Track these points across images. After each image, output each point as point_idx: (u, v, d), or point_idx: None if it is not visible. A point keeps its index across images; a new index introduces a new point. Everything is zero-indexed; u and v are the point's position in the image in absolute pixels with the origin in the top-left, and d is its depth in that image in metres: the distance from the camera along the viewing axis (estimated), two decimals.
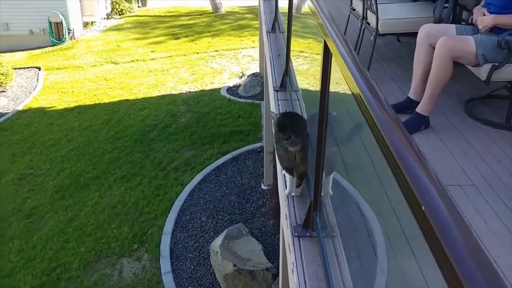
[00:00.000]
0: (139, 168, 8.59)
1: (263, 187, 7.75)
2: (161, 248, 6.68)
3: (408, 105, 3.42)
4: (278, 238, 5.82)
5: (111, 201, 7.76)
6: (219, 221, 7.12)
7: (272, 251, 6.34)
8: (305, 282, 1.91)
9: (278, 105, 3.36)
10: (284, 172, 2.41)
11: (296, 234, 2.15)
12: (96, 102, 11.72)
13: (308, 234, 2.15)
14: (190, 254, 6.59)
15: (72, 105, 11.67)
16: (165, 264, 6.41)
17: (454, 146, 2.98)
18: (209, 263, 6.40)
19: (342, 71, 1.42)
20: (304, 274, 1.95)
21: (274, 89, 3.54)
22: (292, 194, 2.39)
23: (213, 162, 8.48)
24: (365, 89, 1.20)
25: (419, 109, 3.24)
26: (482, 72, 3.08)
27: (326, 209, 2.20)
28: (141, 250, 6.74)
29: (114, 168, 8.66)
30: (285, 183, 2.47)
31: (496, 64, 3.04)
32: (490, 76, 3.02)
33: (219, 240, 6.33)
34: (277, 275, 5.57)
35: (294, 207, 2.34)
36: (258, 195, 7.64)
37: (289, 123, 2.22)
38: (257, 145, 8.80)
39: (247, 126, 9.56)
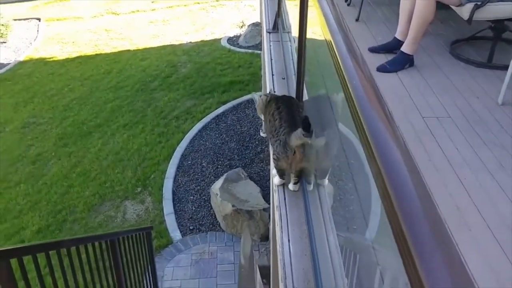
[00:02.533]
0: (141, 117, 8.77)
1: (262, 134, 7.77)
2: (164, 191, 6.94)
3: (395, 45, 3.56)
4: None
5: (114, 148, 7.98)
6: (219, 167, 7.35)
7: (269, 193, 6.57)
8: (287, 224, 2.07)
9: (270, 46, 3.49)
10: (273, 171, 2.18)
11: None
12: (97, 52, 11.80)
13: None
14: (192, 197, 6.85)
15: (73, 55, 11.76)
16: (168, 206, 6.68)
17: (435, 83, 3.14)
18: (209, 205, 6.66)
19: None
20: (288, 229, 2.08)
21: (266, 31, 3.67)
22: (290, 188, 2.15)
23: (213, 111, 8.65)
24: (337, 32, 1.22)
25: (404, 48, 3.38)
26: (464, 11, 3.20)
27: None
28: (144, 193, 6.99)
29: (117, 117, 8.85)
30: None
31: (478, 3, 3.15)
32: (472, 15, 3.15)
33: (219, 183, 6.56)
34: None
35: None
36: (257, 142, 7.83)
37: (289, 115, 1.98)
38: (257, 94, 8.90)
39: (247, 76, 9.67)
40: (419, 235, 0.60)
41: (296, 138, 1.87)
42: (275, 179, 2.18)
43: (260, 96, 2.33)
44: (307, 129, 1.78)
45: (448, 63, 3.44)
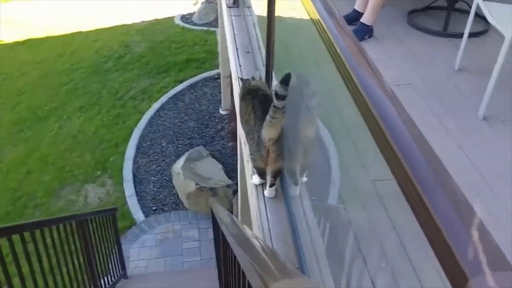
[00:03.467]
0: (96, 99, 8.61)
1: (221, 112, 7.93)
2: (124, 173, 6.88)
3: (355, 17, 3.63)
4: (237, 159, 6.08)
5: (71, 131, 7.83)
6: (179, 146, 7.32)
7: (232, 170, 6.61)
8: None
9: (232, 21, 3.49)
10: (254, 173, 2.13)
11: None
12: (49, 35, 11.45)
13: None
14: (153, 178, 6.82)
15: (23, 38, 11.37)
16: (129, 188, 6.64)
17: (394, 51, 3.23)
18: (171, 184, 6.65)
19: None
20: None
21: (227, 6, 3.66)
22: (266, 194, 2.09)
23: (170, 90, 8.57)
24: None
25: (363, 19, 3.45)
26: None
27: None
28: (104, 176, 6.91)
29: (72, 100, 8.66)
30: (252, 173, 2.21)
31: None
32: None
33: (180, 162, 6.55)
34: (237, 191, 5.87)
35: None
36: (217, 120, 7.83)
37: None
38: (214, 72, 8.89)
39: (203, 54, 9.59)
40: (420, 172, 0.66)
41: (272, 110, 1.77)
42: (254, 178, 2.13)
43: (242, 80, 2.24)
44: (286, 83, 1.69)
45: (406, 33, 3.53)
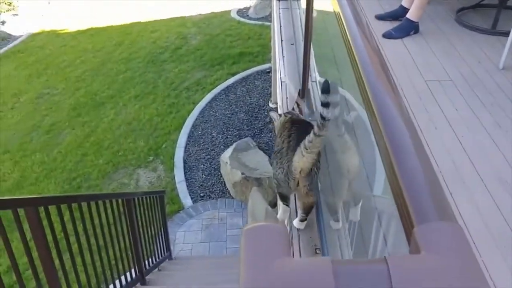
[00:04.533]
0: (152, 88, 8.90)
1: (271, 105, 8.04)
2: (175, 160, 7.11)
3: (401, 12, 3.65)
4: None
5: (126, 118, 8.15)
6: (228, 136, 7.50)
7: None
8: None
9: (280, 13, 3.59)
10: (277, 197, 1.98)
11: None
12: (109, 24, 11.89)
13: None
14: (202, 165, 7.02)
15: (85, 27, 11.86)
16: (179, 174, 6.86)
17: (438, 48, 3.24)
18: (219, 173, 6.83)
19: None
20: None
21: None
22: (295, 224, 1.96)
23: (223, 82, 8.76)
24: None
25: (409, 15, 3.47)
26: None
27: (313, 97, 2.49)
28: (156, 162, 7.17)
29: (128, 88, 8.99)
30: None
31: None
32: None
33: (228, 152, 6.72)
34: None
35: (286, 97, 2.63)
36: (266, 113, 7.95)
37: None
38: (266, 65, 9.01)
39: (257, 48, 9.73)
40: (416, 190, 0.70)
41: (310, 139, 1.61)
42: (279, 213, 1.96)
43: (280, 115, 2.11)
44: (327, 90, 1.55)
45: (452, 30, 3.53)
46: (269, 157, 6.81)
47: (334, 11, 1.34)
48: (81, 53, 10.62)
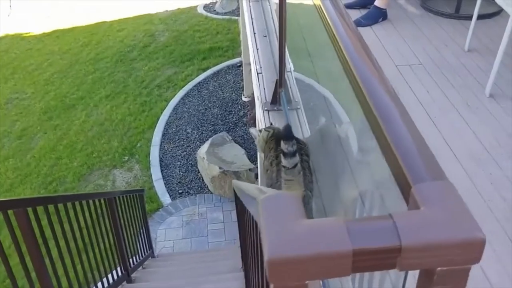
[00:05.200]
0: (122, 87, 8.85)
1: (243, 99, 8.09)
2: (151, 158, 7.11)
3: (370, 0, 3.74)
4: None
5: (98, 119, 8.09)
6: (203, 132, 7.53)
7: (254, 154, 6.79)
8: None
9: (250, 6, 3.63)
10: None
11: (265, 109, 2.53)
12: (74, 25, 11.74)
13: (275, 108, 2.52)
14: (179, 162, 7.04)
15: (50, 29, 11.69)
16: (156, 172, 6.87)
17: (407, 33, 3.35)
18: (196, 169, 6.86)
19: None
20: None
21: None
22: None
23: (195, 78, 8.77)
24: None
25: (377, 3, 3.56)
26: None
27: (291, 86, 2.56)
28: (131, 162, 7.16)
29: (98, 88, 8.92)
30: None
31: None
32: None
33: (204, 147, 6.75)
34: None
35: (264, 88, 2.70)
36: (239, 107, 8.00)
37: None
38: (236, 59, 9.05)
39: (226, 42, 9.76)
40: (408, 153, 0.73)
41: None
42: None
43: (260, 131, 2.01)
44: (288, 136, 1.41)
45: (419, 15, 3.64)
46: (245, 150, 6.87)
47: (314, 4, 1.38)
48: (48, 55, 10.47)
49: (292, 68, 2.71)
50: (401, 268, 0.55)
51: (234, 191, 4.44)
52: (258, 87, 2.68)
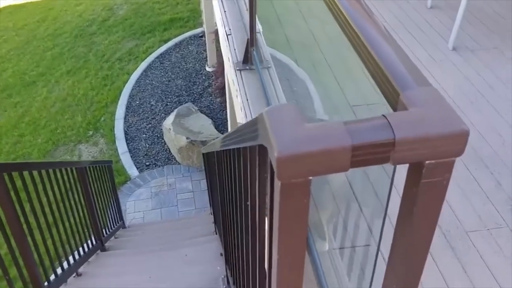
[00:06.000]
0: (83, 62, 8.69)
1: (208, 69, 8.07)
2: (116, 132, 7.06)
3: None
4: (226, 113, 6.25)
5: (60, 95, 7.95)
6: (168, 104, 7.49)
7: (221, 124, 6.82)
8: (247, 100, 2.34)
9: None
10: None
11: (238, 68, 2.56)
12: (27, 1, 11.39)
13: (247, 67, 2.55)
14: (144, 135, 7.01)
15: (0, 5, 11.31)
16: (121, 145, 6.83)
17: None
18: (163, 141, 6.85)
19: None
20: (246, 95, 2.38)
21: None
22: None
23: (156, 50, 8.68)
24: None
25: None
26: None
27: (261, 45, 2.59)
28: (96, 136, 7.09)
29: (59, 64, 8.74)
30: None
31: None
32: None
33: (170, 118, 6.73)
34: None
35: (235, 49, 2.72)
36: (204, 77, 7.98)
37: None
38: (198, 30, 8.98)
39: (187, 13, 9.66)
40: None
41: None
42: None
43: None
44: None
45: None
46: (212, 119, 6.89)
47: None
48: (2, 32, 10.16)
49: (261, 30, 2.74)
50: (394, 161, 0.60)
51: (203, 156, 4.48)
52: (228, 49, 2.70)
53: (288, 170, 0.58)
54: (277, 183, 0.61)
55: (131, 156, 6.70)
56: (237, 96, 2.46)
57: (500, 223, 1.96)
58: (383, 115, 0.61)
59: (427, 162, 0.62)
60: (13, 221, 2.19)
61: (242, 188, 1.39)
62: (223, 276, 2.70)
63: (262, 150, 0.97)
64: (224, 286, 2.59)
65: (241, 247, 1.72)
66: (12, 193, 2.21)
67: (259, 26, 2.69)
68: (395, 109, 0.68)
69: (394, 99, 0.69)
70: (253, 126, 0.84)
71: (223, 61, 6.47)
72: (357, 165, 0.60)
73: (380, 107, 0.83)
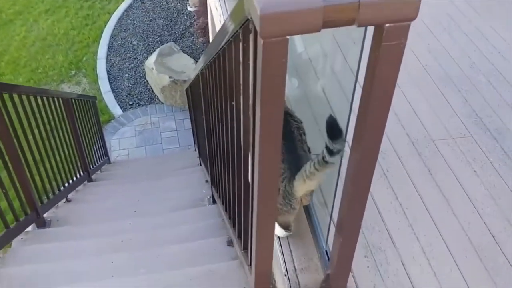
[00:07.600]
0: (62, 1, 8.53)
1: (189, 9, 8.00)
2: (98, 71, 7.06)
3: None
4: None
5: (40, 34, 7.86)
6: (150, 43, 7.47)
7: None
8: None
9: None
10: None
11: None
12: None
13: None
14: (127, 75, 7.02)
15: None
16: (104, 85, 6.85)
17: None
18: (145, 80, 6.88)
19: None
20: None
21: None
22: (276, 233, 1.69)
23: None
24: None
25: None
26: None
27: None
28: (79, 75, 7.09)
29: (37, 3, 8.56)
30: None
31: None
32: None
33: (152, 58, 6.73)
34: None
35: None
36: (185, 17, 7.92)
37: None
38: None
39: None
40: None
41: (307, 175, 1.36)
42: (278, 231, 1.68)
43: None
44: (338, 135, 1.22)
45: None
46: (194, 59, 6.91)
47: None
48: None
49: None
50: (359, 23, 0.71)
51: (187, 92, 4.55)
52: None
53: (269, 27, 0.69)
54: (260, 42, 0.72)
55: (114, 96, 6.73)
56: (220, 21, 2.53)
57: (464, 133, 2.13)
58: None
59: (386, 25, 0.73)
60: (9, 143, 2.29)
61: (227, 91, 1.50)
62: (208, 197, 2.85)
63: (245, 30, 1.06)
64: (209, 205, 2.74)
65: (227, 164, 1.83)
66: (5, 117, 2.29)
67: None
68: None
69: None
70: (237, 7, 0.94)
71: (204, 0, 6.43)
72: (328, 26, 0.71)
73: None
